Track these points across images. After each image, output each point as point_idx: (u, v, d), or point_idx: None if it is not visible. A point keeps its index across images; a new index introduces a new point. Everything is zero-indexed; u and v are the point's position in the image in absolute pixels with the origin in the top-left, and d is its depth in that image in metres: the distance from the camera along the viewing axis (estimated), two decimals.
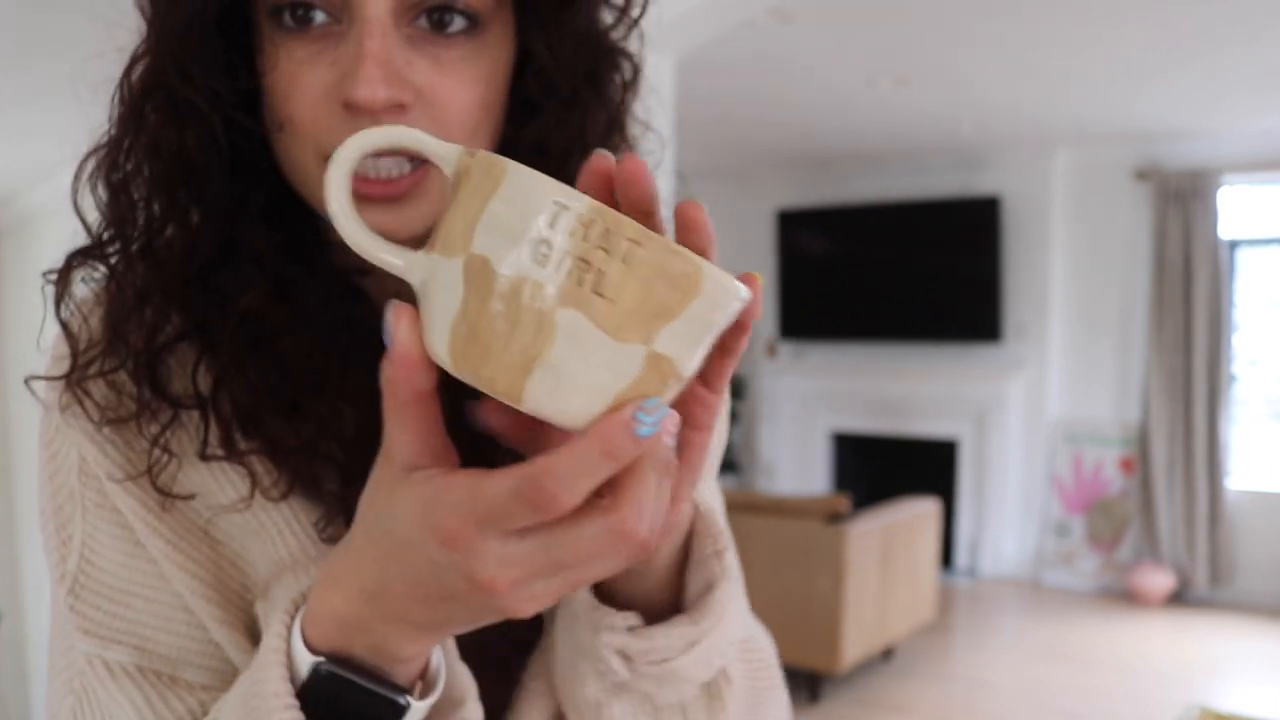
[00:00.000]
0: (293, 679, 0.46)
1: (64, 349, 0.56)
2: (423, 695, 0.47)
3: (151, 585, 0.56)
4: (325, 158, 0.47)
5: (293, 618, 0.47)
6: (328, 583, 0.45)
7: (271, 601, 0.55)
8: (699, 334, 0.39)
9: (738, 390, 6.51)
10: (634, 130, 0.64)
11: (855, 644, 4.11)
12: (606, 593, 0.54)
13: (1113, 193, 5.86)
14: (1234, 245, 5.65)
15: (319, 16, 0.52)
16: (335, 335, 0.57)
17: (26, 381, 0.58)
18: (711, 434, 0.45)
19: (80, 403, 0.55)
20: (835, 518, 4.13)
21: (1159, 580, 5.56)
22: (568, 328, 0.37)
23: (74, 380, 0.55)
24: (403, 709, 0.46)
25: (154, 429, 0.55)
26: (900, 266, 6.38)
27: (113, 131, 0.57)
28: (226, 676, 0.56)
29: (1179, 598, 5.67)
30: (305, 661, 0.45)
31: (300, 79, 0.52)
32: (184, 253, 0.56)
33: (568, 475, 0.37)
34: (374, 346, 0.47)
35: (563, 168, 0.56)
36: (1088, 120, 5.24)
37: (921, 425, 6.43)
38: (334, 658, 0.45)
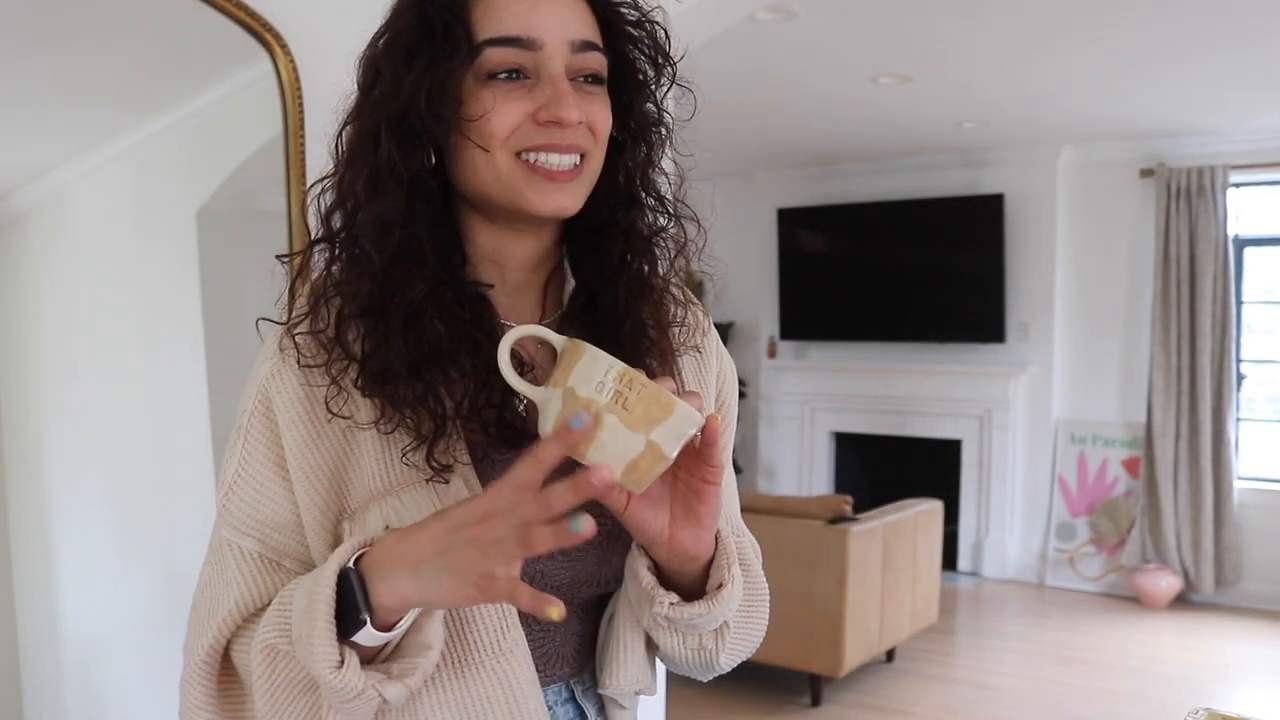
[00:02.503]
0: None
1: (286, 307, 0.87)
2: (379, 630, 0.75)
3: (277, 501, 0.86)
4: (517, 154, 0.82)
5: (362, 545, 0.77)
6: (393, 534, 0.76)
7: (360, 521, 0.84)
8: (675, 436, 0.73)
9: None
10: (669, 157, 0.95)
11: (857, 646, 4.08)
12: (663, 580, 0.87)
13: (1117, 190, 5.83)
14: (1240, 243, 5.62)
15: (517, 74, 0.83)
16: (461, 326, 0.84)
17: (257, 323, 0.89)
18: (718, 486, 0.80)
19: (295, 347, 0.85)
20: (837, 518, 4.11)
21: (1164, 582, 5.53)
22: (609, 423, 0.72)
23: (289, 330, 0.86)
24: (361, 622, 0.74)
25: (335, 370, 0.83)
26: (903, 265, 6.34)
27: (341, 161, 0.85)
28: (310, 569, 0.86)
29: (1184, 600, 5.65)
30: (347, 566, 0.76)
31: (507, 107, 0.82)
32: (375, 252, 0.82)
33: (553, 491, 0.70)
34: (484, 337, 0.83)
35: (631, 175, 0.91)
36: (1092, 117, 5.21)
37: (924, 426, 6.40)
38: (359, 575, 0.75)
